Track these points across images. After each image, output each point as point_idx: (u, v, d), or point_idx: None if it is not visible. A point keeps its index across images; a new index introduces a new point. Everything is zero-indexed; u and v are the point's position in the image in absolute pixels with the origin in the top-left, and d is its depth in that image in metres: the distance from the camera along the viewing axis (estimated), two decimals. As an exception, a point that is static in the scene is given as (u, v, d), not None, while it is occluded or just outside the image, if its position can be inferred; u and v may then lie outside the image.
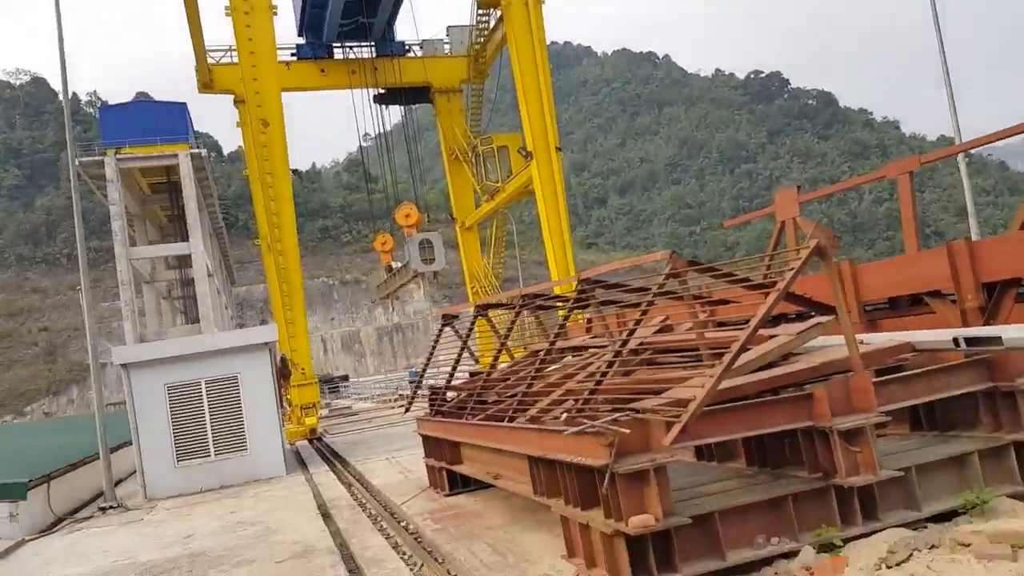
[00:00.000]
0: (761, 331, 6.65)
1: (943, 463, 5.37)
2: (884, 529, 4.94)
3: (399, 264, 29.44)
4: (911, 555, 4.40)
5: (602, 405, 5.61)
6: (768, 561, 4.88)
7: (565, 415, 5.94)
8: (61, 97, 14.84)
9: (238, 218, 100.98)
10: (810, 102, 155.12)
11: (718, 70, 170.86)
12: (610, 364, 6.01)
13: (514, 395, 8.69)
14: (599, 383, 5.91)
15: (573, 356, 8.98)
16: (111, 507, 13.60)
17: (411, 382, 40.48)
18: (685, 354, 6.98)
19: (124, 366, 14.17)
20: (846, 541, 4.90)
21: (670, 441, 4.59)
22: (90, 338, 15.00)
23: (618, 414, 4.98)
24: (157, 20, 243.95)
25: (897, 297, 8.34)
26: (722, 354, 5.70)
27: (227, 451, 14.40)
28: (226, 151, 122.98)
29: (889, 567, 4.33)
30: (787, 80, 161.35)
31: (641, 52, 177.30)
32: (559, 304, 8.93)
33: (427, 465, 10.46)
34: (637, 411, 5.13)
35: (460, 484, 9.68)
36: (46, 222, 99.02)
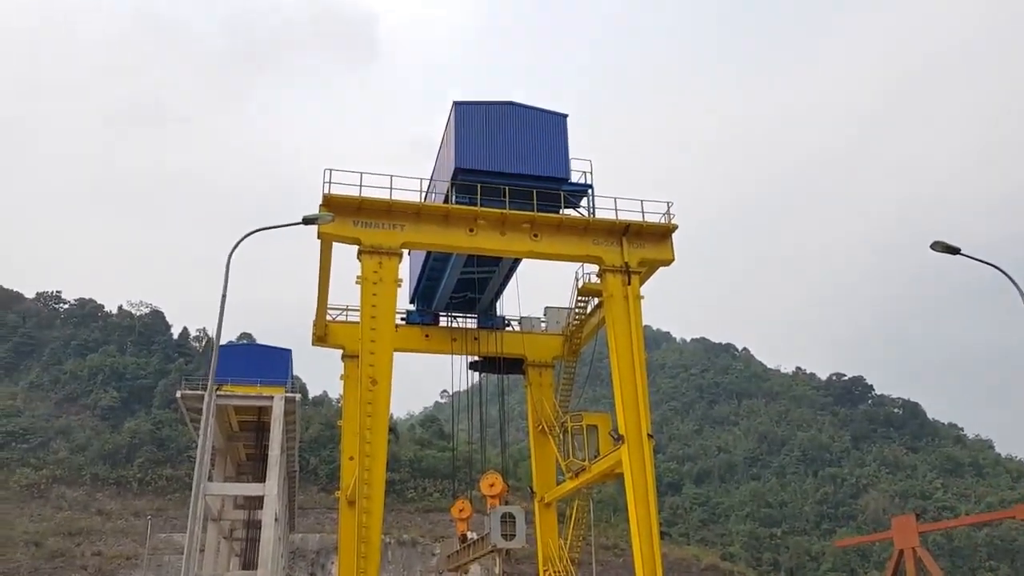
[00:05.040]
0: None
1: None
2: None
3: (474, 535, 28.62)
4: None
5: None
6: None
7: None
8: (213, 362, 16.22)
9: (308, 462, 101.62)
10: (896, 411, 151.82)
11: (799, 368, 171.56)
12: None
13: None
14: None
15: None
16: None
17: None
18: None
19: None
20: None
21: None
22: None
23: None
24: (265, 269, 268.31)
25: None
26: None
27: None
28: (311, 394, 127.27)
29: None
30: (871, 386, 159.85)
31: (720, 343, 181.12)
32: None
33: None
34: None
35: None
36: (128, 445, 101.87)
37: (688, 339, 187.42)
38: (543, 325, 34.70)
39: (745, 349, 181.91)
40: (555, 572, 30.24)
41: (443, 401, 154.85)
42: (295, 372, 60.17)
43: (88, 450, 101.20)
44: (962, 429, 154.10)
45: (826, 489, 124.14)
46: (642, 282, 27.10)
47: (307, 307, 31.67)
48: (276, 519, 49.44)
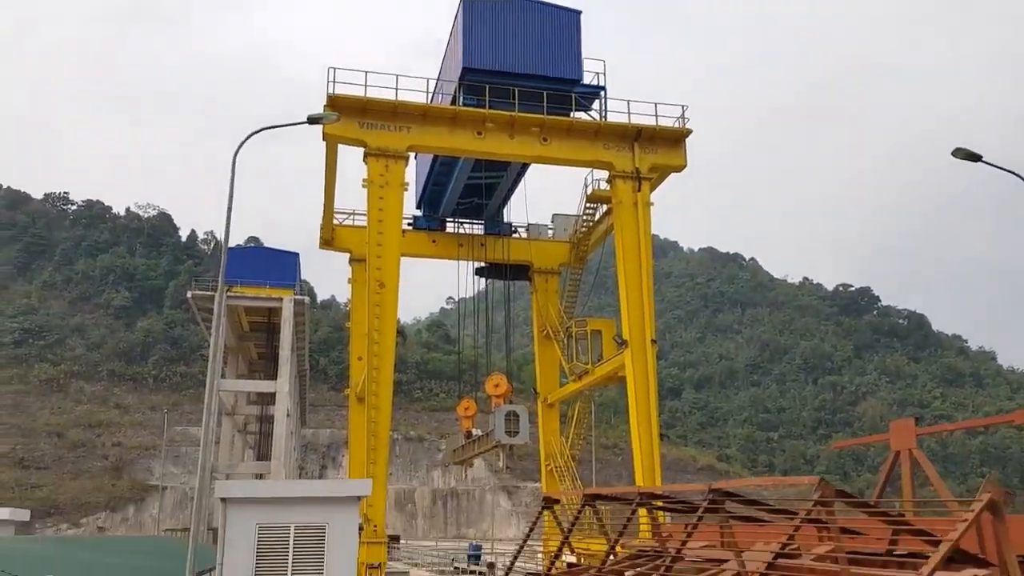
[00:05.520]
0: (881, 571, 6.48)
1: None
2: None
3: (479, 432, 29.55)
4: None
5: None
6: None
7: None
8: (223, 259, 16.30)
9: (318, 362, 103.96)
10: (901, 321, 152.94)
11: (805, 278, 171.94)
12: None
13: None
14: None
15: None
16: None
17: (470, 556, 39.23)
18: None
19: (223, 500, 14.44)
20: None
21: None
22: (200, 479, 15.47)
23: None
24: (272, 176, 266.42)
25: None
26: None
27: (302, 604, 14.15)
28: (319, 298, 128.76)
29: None
30: (877, 297, 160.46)
31: (727, 252, 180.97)
32: (681, 508, 8.86)
33: (513, 656, 10.09)
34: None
35: None
36: (142, 343, 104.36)
37: (695, 248, 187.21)
38: (550, 232, 34.65)
39: (752, 259, 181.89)
40: (556, 467, 31.35)
41: (449, 307, 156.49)
42: (303, 276, 60.68)
43: (103, 347, 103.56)
44: (966, 340, 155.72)
45: (825, 396, 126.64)
46: (652, 188, 26.83)
47: (313, 214, 31.76)
48: (288, 414, 50.97)
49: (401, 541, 66.49)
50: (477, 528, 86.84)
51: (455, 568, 38.71)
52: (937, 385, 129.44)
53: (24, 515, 40.36)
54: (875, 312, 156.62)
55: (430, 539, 75.33)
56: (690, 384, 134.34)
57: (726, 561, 7.84)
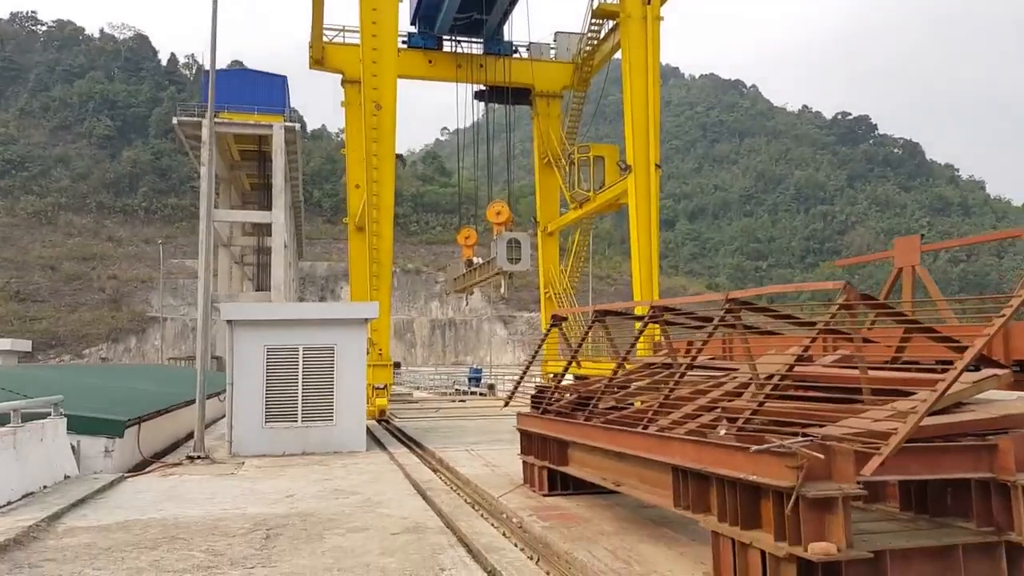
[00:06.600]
0: (898, 374, 6.57)
1: None
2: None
3: (480, 260, 29.70)
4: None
5: (765, 426, 5.59)
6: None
7: (724, 431, 5.94)
8: (211, 77, 15.39)
9: (312, 195, 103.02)
10: (896, 151, 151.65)
11: (805, 106, 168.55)
12: (775, 387, 5.99)
13: (629, 404, 8.73)
14: (761, 404, 5.90)
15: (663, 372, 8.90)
16: (199, 457, 14.03)
17: (471, 379, 40.88)
18: (826, 387, 6.87)
19: (229, 323, 14.60)
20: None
21: (870, 472, 4.57)
22: (201, 301, 15.51)
23: (797, 438, 4.96)
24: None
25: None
26: (888, 393, 5.67)
27: (314, 419, 14.71)
28: (309, 127, 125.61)
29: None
30: (875, 125, 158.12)
31: (729, 79, 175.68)
32: (693, 321, 8.88)
33: (525, 462, 10.52)
34: (814, 437, 5.08)
35: (559, 486, 9.72)
36: (129, 174, 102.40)
37: (697, 76, 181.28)
38: (552, 52, 33.11)
39: (754, 86, 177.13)
40: (555, 294, 31.87)
41: (444, 138, 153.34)
42: (291, 103, 58.61)
43: (90, 178, 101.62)
44: (958, 170, 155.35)
45: (815, 226, 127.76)
46: (662, 2, 25.29)
47: (298, 38, 29.96)
48: (285, 245, 51.12)
49: (402, 367, 69.12)
50: (475, 355, 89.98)
51: (456, 390, 40.39)
52: (925, 214, 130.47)
53: (26, 346, 41.12)
54: (871, 141, 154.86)
55: (429, 366, 78.24)
56: (684, 215, 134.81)
57: (737, 369, 7.96)
